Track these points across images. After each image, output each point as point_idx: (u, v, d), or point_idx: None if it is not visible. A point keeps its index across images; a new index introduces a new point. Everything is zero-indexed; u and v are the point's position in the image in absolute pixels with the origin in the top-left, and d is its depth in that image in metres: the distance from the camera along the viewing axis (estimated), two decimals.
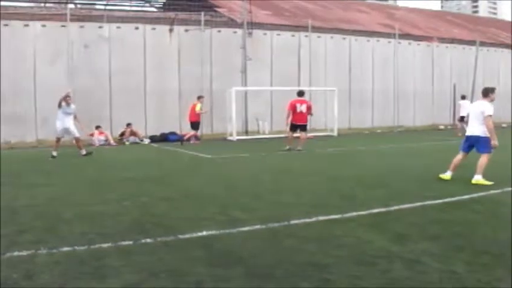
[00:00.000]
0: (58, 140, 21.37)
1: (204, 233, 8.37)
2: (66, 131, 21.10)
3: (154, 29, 31.85)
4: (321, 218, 9.44)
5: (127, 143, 28.60)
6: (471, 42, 44.09)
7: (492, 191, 12.21)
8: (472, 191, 12.13)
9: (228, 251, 7.54)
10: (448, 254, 7.32)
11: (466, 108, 28.46)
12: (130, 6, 37.89)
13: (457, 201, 11.24)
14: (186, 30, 32.53)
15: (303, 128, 24.14)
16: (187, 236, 8.27)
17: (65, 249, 7.55)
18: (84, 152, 21.48)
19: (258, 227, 8.84)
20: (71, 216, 9.81)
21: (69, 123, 21.04)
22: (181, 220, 9.41)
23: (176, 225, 8.97)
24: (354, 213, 9.85)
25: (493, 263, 6.83)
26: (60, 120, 20.97)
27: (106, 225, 9.05)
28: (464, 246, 7.67)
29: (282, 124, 28.61)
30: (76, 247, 7.63)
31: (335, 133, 30.91)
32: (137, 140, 28.97)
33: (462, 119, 31.83)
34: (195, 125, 28.86)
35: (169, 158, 22.24)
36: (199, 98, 29.00)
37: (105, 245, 7.72)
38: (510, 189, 12.45)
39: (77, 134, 21.45)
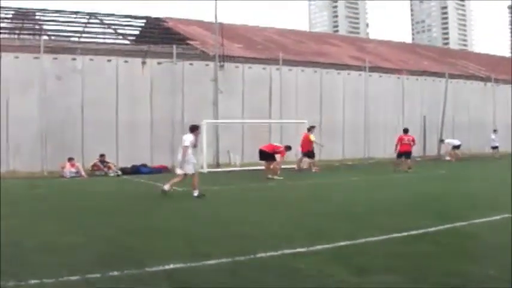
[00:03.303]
0: None
1: (171, 266, 8.44)
2: None
3: (126, 61, 31.97)
4: (287, 251, 9.56)
5: (103, 174, 28.57)
6: (441, 74, 44.62)
7: (459, 223, 12.42)
8: (438, 223, 12.30)
9: (194, 283, 7.69)
10: (406, 286, 7.52)
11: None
12: (104, 38, 38.02)
13: (423, 233, 11.39)
14: (159, 63, 32.68)
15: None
16: (154, 269, 8.33)
17: (33, 281, 7.60)
18: None
19: (224, 260, 8.92)
20: (39, 248, 9.85)
21: None
22: (148, 253, 9.49)
23: (143, 258, 9.04)
24: (319, 247, 9.98)
25: None
26: None
27: (74, 257, 9.10)
28: (424, 278, 7.87)
29: (254, 156, 28.95)
30: (44, 279, 7.68)
31: (305, 165, 31.07)
32: (110, 172, 28.96)
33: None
34: (310, 154, 30.33)
35: (140, 190, 22.27)
36: (311, 128, 30.83)
37: (73, 278, 7.77)
38: (477, 221, 12.69)
39: None
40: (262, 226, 12.43)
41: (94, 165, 29.07)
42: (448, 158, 39.79)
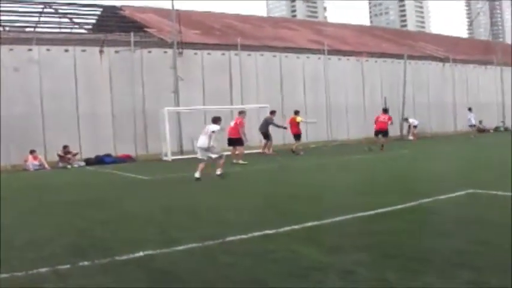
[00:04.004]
0: None
1: (141, 253, 8.38)
2: None
3: (84, 50, 31.69)
4: (256, 234, 9.55)
5: (69, 166, 28.34)
6: (399, 56, 44.95)
7: (424, 200, 12.50)
8: (404, 201, 12.38)
9: (165, 270, 7.61)
10: (379, 263, 7.54)
11: None
12: (60, 28, 37.58)
13: (390, 211, 11.45)
14: (117, 52, 32.45)
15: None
16: (124, 257, 8.25)
17: (3, 276, 7.50)
18: None
19: (194, 245, 8.89)
20: (8, 240, 9.72)
21: None
22: (118, 242, 9.43)
23: (113, 247, 8.96)
24: (288, 228, 9.96)
25: (423, 269, 7.06)
26: None
27: (43, 249, 8.98)
28: (394, 254, 7.90)
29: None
30: (14, 273, 7.59)
31: (270, 150, 31.10)
32: (74, 164, 28.72)
33: None
34: (297, 136, 31.00)
35: (105, 180, 22.12)
36: (298, 112, 31.78)
37: (43, 270, 7.67)
38: (442, 197, 12.80)
39: None
40: (231, 211, 12.40)
41: (59, 156, 28.78)
42: (411, 137, 40.17)
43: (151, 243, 9.11)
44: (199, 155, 20.31)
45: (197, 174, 19.37)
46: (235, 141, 26.58)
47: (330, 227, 10.19)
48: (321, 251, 8.25)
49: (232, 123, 26.95)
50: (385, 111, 32.18)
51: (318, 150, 32.38)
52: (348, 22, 70.06)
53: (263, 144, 30.78)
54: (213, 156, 19.94)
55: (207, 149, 19.87)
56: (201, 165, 19.67)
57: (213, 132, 19.94)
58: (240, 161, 25.64)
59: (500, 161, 22.17)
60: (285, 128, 31.07)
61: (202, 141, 20.01)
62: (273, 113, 31.39)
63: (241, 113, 28.08)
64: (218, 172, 19.76)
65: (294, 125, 31.15)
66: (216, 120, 20.72)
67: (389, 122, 31.02)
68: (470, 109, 41.95)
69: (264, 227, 10.00)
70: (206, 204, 13.86)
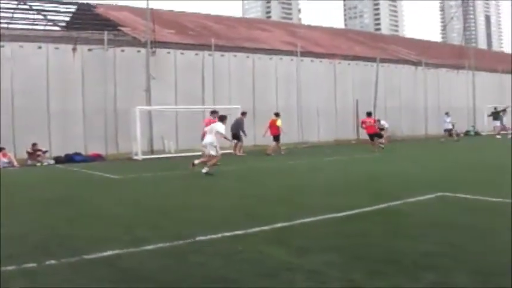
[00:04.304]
0: None
1: (109, 252, 8.35)
2: None
3: (57, 48, 31.49)
4: (226, 234, 9.55)
5: (38, 164, 28.14)
6: (372, 59, 45.17)
7: (393, 203, 12.59)
8: (373, 203, 12.46)
9: (133, 269, 7.60)
10: (348, 264, 7.59)
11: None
12: (33, 25, 37.32)
13: (359, 213, 11.53)
14: (90, 50, 32.29)
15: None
16: (92, 256, 8.20)
17: None
18: None
19: (163, 244, 8.88)
20: None
21: None
22: (86, 240, 9.35)
23: (81, 245, 8.89)
24: (257, 229, 9.99)
25: (391, 271, 7.13)
26: None
27: (10, 247, 8.89)
28: (363, 256, 7.95)
29: (188, 142, 28.94)
30: None
31: (241, 151, 31.12)
32: (44, 161, 28.53)
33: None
34: (276, 138, 31.49)
35: (75, 178, 21.99)
36: (278, 114, 32.48)
37: (9, 268, 7.60)
38: (411, 200, 12.90)
39: None
40: (201, 211, 12.40)
41: (28, 153, 28.57)
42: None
43: (120, 242, 9.07)
44: (205, 151, 21.31)
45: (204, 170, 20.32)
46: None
47: (299, 228, 10.22)
48: (290, 252, 8.29)
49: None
50: (369, 114, 32.66)
51: (289, 151, 32.33)
52: (322, 24, 70.15)
53: (233, 144, 30.76)
54: (212, 153, 20.81)
55: (210, 146, 20.85)
56: (199, 160, 21.08)
57: (218, 132, 20.92)
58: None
59: (470, 165, 22.43)
60: (244, 133, 31.15)
61: (210, 139, 20.94)
62: (244, 114, 31.54)
63: (214, 113, 28.18)
64: (205, 170, 20.29)
65: (274, 126, 31.52)
66: (222, 118, 21.97)
67: (375, 125, 31.95)
68: (447, 113, 42.13)
69: (234, 227, 10.03)
70: (176, 203, 13.85)
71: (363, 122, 32.71)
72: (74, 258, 8.08)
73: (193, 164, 20.77)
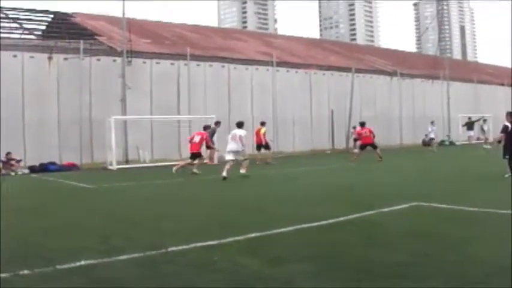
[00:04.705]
0: None
1: (83, 262, 8.34)
2: None
3: (32, 57, 31.33)
4: (199, 244, 9.58)
5: (12, 173, 27.94)
6: (348, 69, 45.36)
7: (367, 212, 12.69)
8: (347, 213, 12.54)
9: (106, 279, 7.63)
10: (322, 273, 7.67)
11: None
12: (9, 33, 37.09)
13: (333, 223, 11.62)
14: (65, 59, 32.12)
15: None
16: (65, 266, 8.20)
17: None
18: None
19: (136, 255, 8.89)
20: None
21: None
22: (59, 251, 9.33)
23: (54, 255, 8.87)
24: (231, 239, 10.04)
25: (366, 281, 7.23)
26: None
27: None
28: (337, 265, 8.06)
29: (163, 152, 28.95)
30: None
31: (215, 161, 31.11)
32: (18, 171, 28.35)
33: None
34: (261, 147, 32.02)
35: (49, 188, 21.89)
36: (264, 123, 32.97)
37: None
38: (385, 210, 13.00)
39: None
40: (175, 221, 12.43)
41: (2, 162, 28.36)
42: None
43: (93, 252, 9.08)
44: (229, 157, 23.12)
45: (224, 173, 22.11)
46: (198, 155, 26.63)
47: (273, 238, 10.29)
48: (264, 262, 8.34)
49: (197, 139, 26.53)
50: (363, 124, 32.71)
51: (264, 161, 32.30)
52: (298, 35, 70.49)
53: (208, 154, 30.83)
54: (241, 158, 23.30)
55: (238, 152, 23.11)
56: (228, 166, 22.63)
57: (241, 136, 23.24)
58: (195, 170, 25.77)
59: (445, 175, 22.62)
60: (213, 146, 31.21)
61: (235, 146, 23.10)
62: (217, 123, 31.58)
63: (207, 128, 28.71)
64: (243, 171, 23.13)
65: (258, 135, 31.98)
66: (240, 125, 24.10)
67: (370, 134, 31.81)
68: (432, 122, 42.25)
69: (207, 237, 10.05)
70: (150, 213, 13.83)
71: (358, 134, 32.88)
72: (47, 268, 8.08)
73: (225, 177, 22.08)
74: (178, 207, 15.22)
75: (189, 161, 26.05)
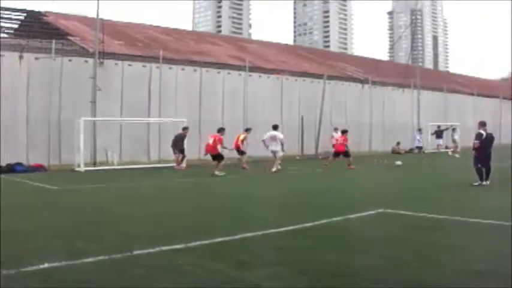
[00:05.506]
0: None
1: (46, 265, 8.28)
2: None
3: (3, 55, 31.06)
4: (164, 248, 9.59)
5: None
6: (320, 76, 45.45)
7: (335, 218, 12.76)
8: (315, 219, 12.60)
9: (70, 281, 7.62)
10: (289, 278, 7.74)
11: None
12: None
13: (300, 228, 11.70)
14: (37, 58, 31.87)
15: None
16: (29, 268, 8.14)
17: None
18: None
19: (101, 257, 8.85)
20: None
21: None
22: (23, 253, 9.26)
23: (18, 258, 8.82)
24: (198, 243, 10.05)
25: (332, 285, 7.30)
26: None
27: None
28: (303, 270, 8.12)
29: (132, 155, 28.90)
30: None
31: (184, 164, 31.02)
32: None
33: None
34: (239, 152, 31.73)
35: (16, 189, 21.65)
36: (248, 129, 33.28)
37: None
38: (352, 216, 13.09)
39: None
40: (141, 224, 12.43)
41: None
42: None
43: (58, 254, 9.04)
44: (279, 154, 28.60)
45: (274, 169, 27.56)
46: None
47: (240, 243, 10.36)
48: (230, 266, 8.39)
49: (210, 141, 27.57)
50: (343, 132, 32.65)
51: (233, 166, 32.18)
52: (272, 40, 70.62)
53: (175, 158, 30.86)
54: (278, 156, 28.50)
55: (277, 152, 28.45)
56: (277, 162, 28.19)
57: (281, 138, 28.77)
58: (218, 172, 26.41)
59: (412, 182, 22.80)
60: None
61: (275, 146, 28.65)
62: (185, 129, 31.44)
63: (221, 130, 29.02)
64: (274, 169, 27.60)
65: (236, 140, 31.64)
66: (277, 127, 29.98)
67: (344, 143, 31.57)
68: (419, 130, 42.29)
69: (174, 241, 10.07)
70: (116, 216, 13.84)
71: (336, 141, 33.18)
72: (10, 271, 8.02)
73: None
74: (145, 210, 15.16)
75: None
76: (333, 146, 32.96)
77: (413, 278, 7.73)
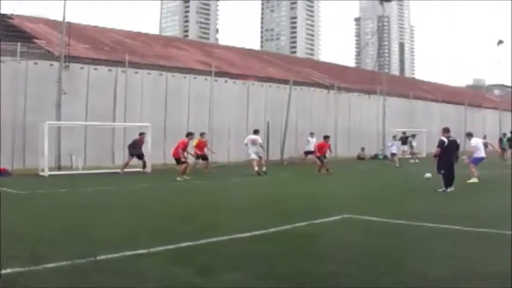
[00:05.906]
0: None
1: (9, 270, 8.26)
2: None
3: None
4: (127, 253, 9.60)
5: None
6: (286, 81, 45.54)
7: (299, 224, 12.85)
8: (278, 224, 12.70)
9: (33, 287, 7.60)
10: (253, 283, 7.80)
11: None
12: None
13: (263, 234, 11.79)
14: (1, 61, 31.57)
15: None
16: None
17: None
18: None
19: (64, 263, 8.83)
20: None
21: None
22: None
23: None
24: (162, 248, 10.08)
25: None
26: None
27: None
28: (266, 275, 8.20)
29: (96, 159, 28.74)
30: None
31: (149, 169, 30.93)
32: None
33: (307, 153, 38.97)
34: (203, 157, 32.07)
35: None
36: (203, 134, 32.73)
37: None
38: (317, 221, 13.18)
39: None
40: (104, 229, 12.40)
41: None
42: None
43: (20, 260, 8.99)
44: (252, 157, 30.08)
45: (256, 169, 29.18)
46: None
47: (204, 248, 10.39)
48: (194, 271, 8.43)
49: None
50: (325, 138, 33.79)
51: (196, 171, 32.10)
52: (239, 45, 70.77)
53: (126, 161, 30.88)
54: (252, 157, 30.15)
55: (258, 152, 30.22)
56: (255, 163, 29.69)
57: (260, 142, 30.77)
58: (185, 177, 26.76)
59: (379, 189, 22.98)
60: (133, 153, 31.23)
61: (255, 149, 30.22)
62: (142, 134, 31.31)
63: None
64: (264, 169, 30.00)
65: (200, 146, 31.56)
66: (257, 132, 31.86)
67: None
68: (394, 137, 42.37)
69: (137, 246, 10.08)
70: (79, 221, 13.69)
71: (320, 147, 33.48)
72: None
73: (259, 173, 29.04)
74: (109, 215, 15.15)
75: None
76: (317, 149, 33.43)
77: (378, 283, 7.83)
